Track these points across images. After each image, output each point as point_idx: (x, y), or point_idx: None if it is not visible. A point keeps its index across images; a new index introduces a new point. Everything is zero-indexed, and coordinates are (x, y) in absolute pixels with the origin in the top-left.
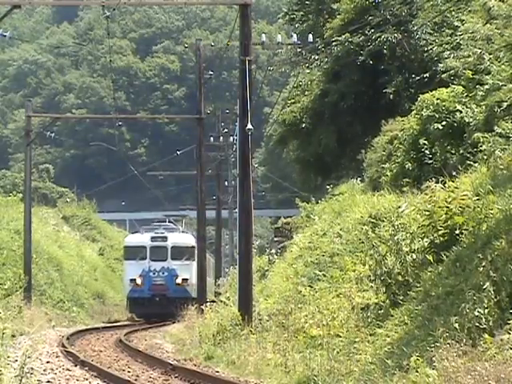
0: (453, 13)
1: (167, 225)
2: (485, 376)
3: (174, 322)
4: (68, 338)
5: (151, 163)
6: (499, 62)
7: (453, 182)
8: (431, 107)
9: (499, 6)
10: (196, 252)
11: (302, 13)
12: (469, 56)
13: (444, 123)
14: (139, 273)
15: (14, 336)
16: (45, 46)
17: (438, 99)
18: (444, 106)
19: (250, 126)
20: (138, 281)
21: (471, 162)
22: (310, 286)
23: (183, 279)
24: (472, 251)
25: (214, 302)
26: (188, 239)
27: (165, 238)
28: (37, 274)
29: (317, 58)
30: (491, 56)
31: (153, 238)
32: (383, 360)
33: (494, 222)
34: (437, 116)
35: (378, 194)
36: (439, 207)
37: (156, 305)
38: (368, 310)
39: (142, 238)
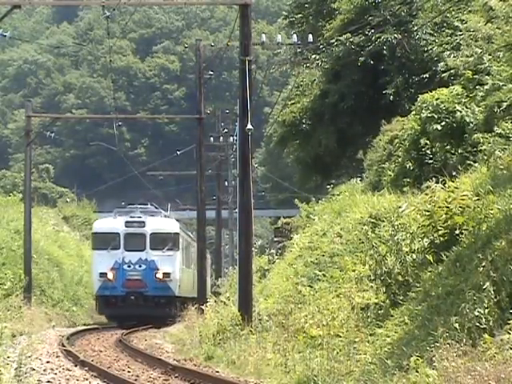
0: (453, 13)
1: (146, 207)
2: (485, 376)
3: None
4: (68, 338)
5: (151, 163)
6: (499, 62)
7: (453, 182)
8: (430, 108)
9: (500, 6)
10: (181, 241)
11: (301, 15)
12: (471, 56)
13: (443, 124)
14: (111, 265)
15: (14, 336)
16: (45, 45)
17: (437, 99)
18: (443, 106)
19: (249, 126)
20: (110, 275)
21: (471, 162)
22: (309, 286)
23: (165, 273)
24: (472, 251)
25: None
26: (171, 225)
27: (142, 223)
28: (37, 273)
29: (317, 58)
30: (490, 57)
31: (128, 223)
32: (383, 360)
33: (494, 222)
34: (436, 117)
35: (378, 194)
36: (439, 207)
37: (131, 305)
38: (368, 310)
39: (115, 223)
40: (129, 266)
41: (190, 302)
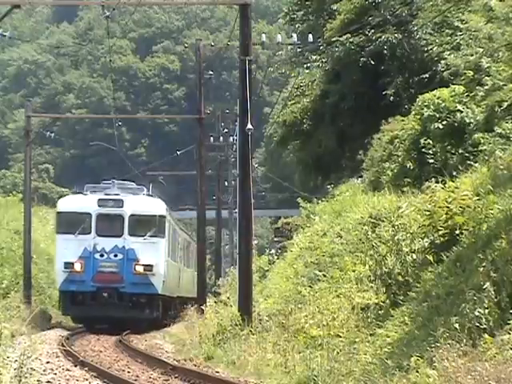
0: (453, 13)
1: (124, 183)
2: (485, 376)
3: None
4: (68, 338)
5: (151, 163)
6: (498, 62)
7: (453, 182)
8: (431, 107)
9: (500, 6)
10: (167, 226)
11: (302, 13)
12: (471, 55)
13: (444, 123)
14: (79, 254)
15: (13, 336)
16: (45, 45)
17: (438, 98)
18: (444, 105)
19: (250, 125)
20: (77, 266)
21: (471, 162)
22: (310, 286)
23: (146, 265)
24: (472, 251)
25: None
26: (155, 205)
27: (120, 203)
28: (37, 274)
29: (317, 58)
30: (490, 57)
31: (101, 202)
32: (383, 360)
33: (495, 222)
34: (437, 116)
35: (379, 194)
36: (439, 207)
37: (103, 304)
38: (368, 311)
39: (85, 202)
40: (101, 256)
41: (174, 303)
